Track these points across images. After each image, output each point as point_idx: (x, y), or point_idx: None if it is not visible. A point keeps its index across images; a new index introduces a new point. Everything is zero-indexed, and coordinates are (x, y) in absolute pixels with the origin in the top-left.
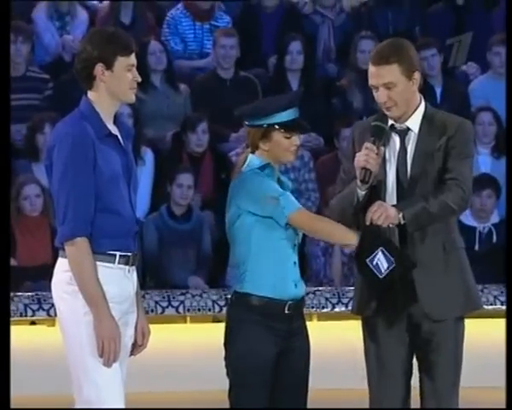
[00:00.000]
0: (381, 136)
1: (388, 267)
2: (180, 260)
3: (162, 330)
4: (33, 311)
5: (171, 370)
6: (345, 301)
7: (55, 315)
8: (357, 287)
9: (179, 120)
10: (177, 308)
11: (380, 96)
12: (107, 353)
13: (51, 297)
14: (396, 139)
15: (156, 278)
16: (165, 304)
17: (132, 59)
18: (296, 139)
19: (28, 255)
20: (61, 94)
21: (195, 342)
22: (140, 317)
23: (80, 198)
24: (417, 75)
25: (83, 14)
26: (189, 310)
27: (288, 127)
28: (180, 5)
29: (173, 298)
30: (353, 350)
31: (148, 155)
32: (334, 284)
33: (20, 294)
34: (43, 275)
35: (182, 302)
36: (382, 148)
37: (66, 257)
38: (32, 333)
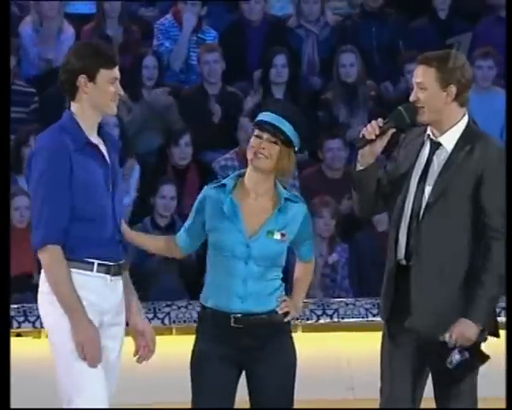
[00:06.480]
0: (396, 119)
1: (460, 358)
2: (165, 271)
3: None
4: (19, 323)
5: (158, 382)
6: (329, 312)
7: (41, 327)
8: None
9: (165, 133)
10: (162, 320)
11: (413, 93)
12: (88, 353)
13: (37, 309)
14: (426, 150)
15: (141, 290)
16: (150, 316)
17: (115, 72)
18: (262, 142)
19: (14, 267)
20: (47, 107)
21: (181, 354)
22: (137, 320)
23: (53, 207)
24: (453, 89)
25: (69, 29)
26: (174, 322)
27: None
28: (169, 16)
29: (159, 310)
30: (338, 361)
31: (135, 167)
32: (318, 295)
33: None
34: (29, 287)
35: (167, 314)
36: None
37: None
38: (17, 345)
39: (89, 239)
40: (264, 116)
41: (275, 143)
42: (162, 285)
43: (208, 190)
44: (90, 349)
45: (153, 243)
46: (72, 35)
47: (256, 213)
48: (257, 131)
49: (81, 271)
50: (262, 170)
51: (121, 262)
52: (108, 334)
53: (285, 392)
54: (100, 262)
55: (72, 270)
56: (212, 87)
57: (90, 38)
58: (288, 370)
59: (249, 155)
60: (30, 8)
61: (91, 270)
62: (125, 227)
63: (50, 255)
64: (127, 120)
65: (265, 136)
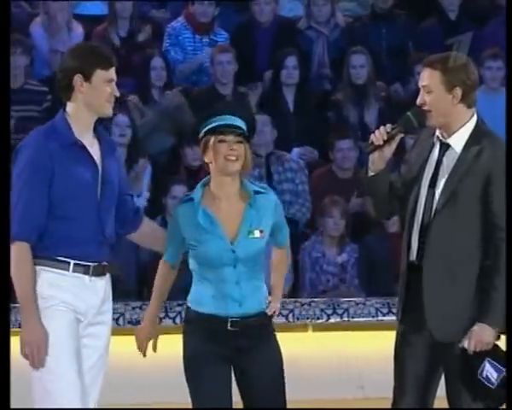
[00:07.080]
0: (404, 125)
1: (499, 376)
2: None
3: (158, 341)
4: None
5: (169, 380)
6: (339, 311)
7: None
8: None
9: (178, 134)
10: (174, 319)
11: (420, 96)
12: (30, 355)
13: None
14: (436, 152)
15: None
16: (162, 315)
17: (112, 73)
18: (230, 144)
19: None
20: (60, 106)
21: None
22: None
23: (27, 205)
24: (459, 91)
25: (78, 27)
26: None
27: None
28: (181, 18)
29: (170, 309)
30: (348, 360)
31: (147, 167)
32: (329, 294)
33: (16, 305)
34: None
35: (179, 313)
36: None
37: None
38: None
39: (67, 238)
40: (219, 120)
41: (240, 142)
42: (173, 285)
43: (179, 207)
44: (33, 351)
45: (163, 290)
46: (81, 34)
47: (231, 217)
48: (218, 137)
49: (55, 270)
50: (234, 173)
51: (104, 263)
52: (88, 333)
53: (278, 390)
54: (77, 262)
55: (45, 268)
56: (223, 88)
57: (102, 39)
58: (278, 368)
59: (218, 162)
60: (40, 7)
61: (67, 269)
62: (144, 328)
63: (17, 251)
64: (140, 122)
65: (230, 138)
